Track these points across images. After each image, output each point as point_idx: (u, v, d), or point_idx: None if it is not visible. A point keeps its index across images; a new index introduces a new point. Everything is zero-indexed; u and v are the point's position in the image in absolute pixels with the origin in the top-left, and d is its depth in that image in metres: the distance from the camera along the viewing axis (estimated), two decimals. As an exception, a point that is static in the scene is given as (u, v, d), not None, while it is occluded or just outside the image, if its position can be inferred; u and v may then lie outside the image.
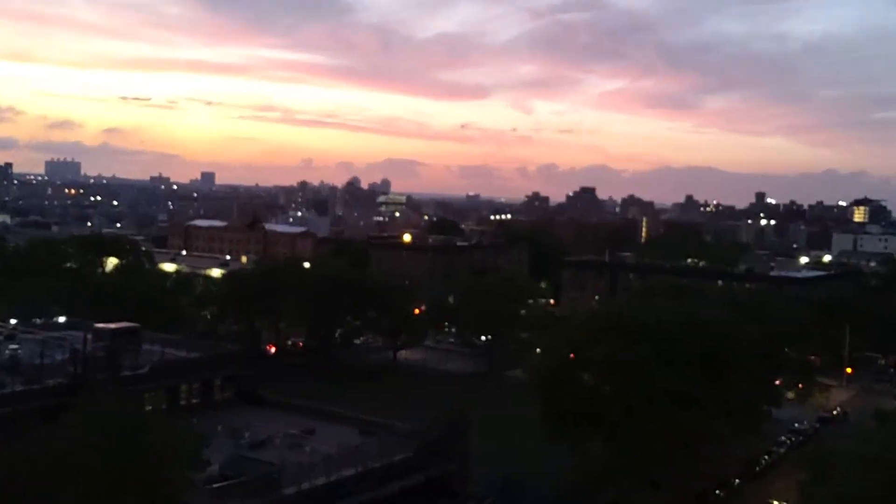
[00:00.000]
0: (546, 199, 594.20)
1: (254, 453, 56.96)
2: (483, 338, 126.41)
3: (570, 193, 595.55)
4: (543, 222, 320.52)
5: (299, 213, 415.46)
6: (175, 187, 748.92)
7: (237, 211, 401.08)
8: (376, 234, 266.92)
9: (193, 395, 71.89)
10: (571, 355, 72.62)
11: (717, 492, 73.85)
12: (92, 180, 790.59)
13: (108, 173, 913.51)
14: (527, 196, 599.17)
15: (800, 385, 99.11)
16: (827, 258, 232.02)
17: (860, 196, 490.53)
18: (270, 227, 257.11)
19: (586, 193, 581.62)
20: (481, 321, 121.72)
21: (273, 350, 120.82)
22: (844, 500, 44.13)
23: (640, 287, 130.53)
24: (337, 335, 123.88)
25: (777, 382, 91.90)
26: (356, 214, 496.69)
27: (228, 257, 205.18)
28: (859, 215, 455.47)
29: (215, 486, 48.46)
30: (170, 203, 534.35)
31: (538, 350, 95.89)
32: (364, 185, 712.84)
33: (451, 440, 62.16)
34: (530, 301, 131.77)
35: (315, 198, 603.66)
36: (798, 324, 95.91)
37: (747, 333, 77.38)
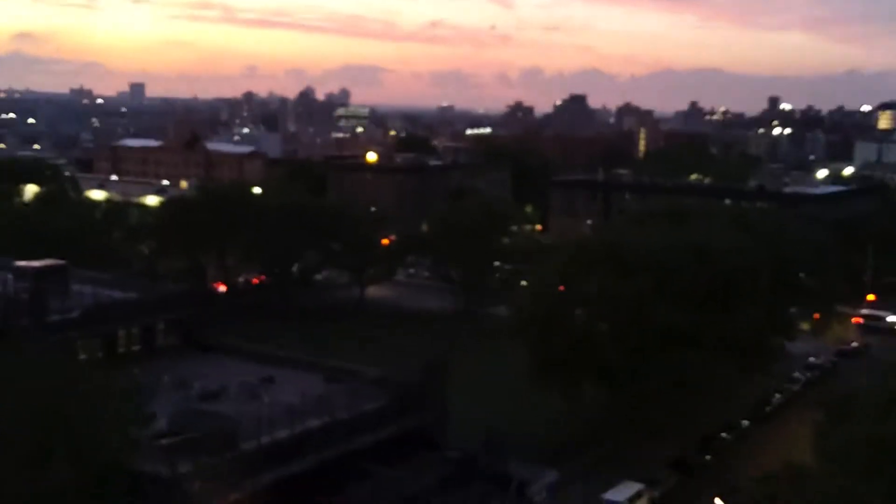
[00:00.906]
0: (530, 109, 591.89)
1: (205, 405, 57.32)
2: (461, 271, 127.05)
3: (558, 102, 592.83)
4: (527, 137, 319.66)
5: (245, 130, 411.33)
6: (100, 101, 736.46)
7: (173, 128, 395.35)
8: (335, 153, 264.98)
9: (133, 342, 71.97)
10: (561, 289, 73.44)
11: (724, 435, 75.88)
12: (2, 94, 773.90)
13: (20, 86, 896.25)
14: (508, 106, 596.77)
15: (816, 316, 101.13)
16: (848, 171, 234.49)
17: (887, 99, 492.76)
18: (213, 146, 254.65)
19: (576, 102, 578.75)
20: (458, 252, 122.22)
21: (223, 289, 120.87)
22: (865, 443, 45.50)
23: (638, 209, 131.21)
24: (294, 271, 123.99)
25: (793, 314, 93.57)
26: (311, 131, 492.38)
27: (166, 182, 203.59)
28: (885, 121, 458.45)
29: (164, 442, 49.00)
30: (94, 120, 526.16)
31: (523, 284, 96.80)
32: (320, 95, 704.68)
33: (427, 388, 63.07)
34: (514, 228, 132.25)
35: (263, 112, 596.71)
36: (815, 246, 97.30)
37: (758, 260, 78.58)
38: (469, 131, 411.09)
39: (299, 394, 58.42)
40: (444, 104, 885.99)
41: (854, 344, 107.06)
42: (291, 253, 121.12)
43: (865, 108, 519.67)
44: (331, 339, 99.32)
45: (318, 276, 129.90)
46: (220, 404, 58.41)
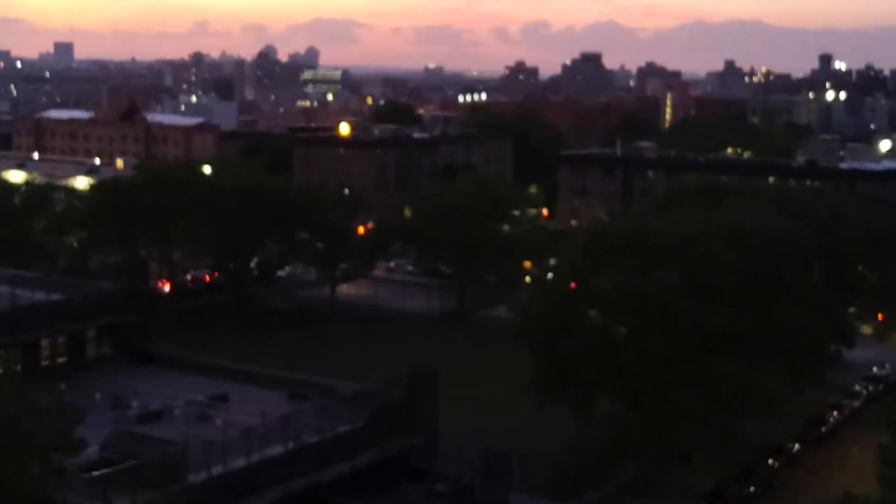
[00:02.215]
0: (534, 70, 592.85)
1: (146, 428, 57.47)
2: (452, 265, 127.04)
3: (568, 62, 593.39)
4: (531, 104, 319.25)
5: (194, 98, 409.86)
6: (19, 65, 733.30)
7: (107, 96, 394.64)
8: (301, 124, 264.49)
9: (59, 353, 71.97)
10: (572, 286, 73.42)
11: (770, 462, 75.99)
12: None
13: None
14: (508, 68, 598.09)
15: (880, 316, 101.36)
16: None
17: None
18: (154, 117, 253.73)
19: (589, 62, 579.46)
20: (449, 243, 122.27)
21: (167, 288, 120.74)
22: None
23: (663, 190, 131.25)
24: (253, 266, 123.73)
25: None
26: (273, 98, 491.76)
27: (98, 161, 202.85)
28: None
29: (95, 473, 48.88)
30: (12, 87, 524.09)
31: (527, 280, 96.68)
32: (282, 56, 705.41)
33: (413, 405, 63.04)
34: (515, 213, 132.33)
35: (215, 76, 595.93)
36: (877, 233, 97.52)
37: (808, 249, 78.62)
38: (461, 98, 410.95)
39: (258, 414, 58.41)
40: (432, 66, 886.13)
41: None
42: (249, 244, 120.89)
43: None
44: (296, 348, 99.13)
45: (282, 273, 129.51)
46: (164, 427, 58.40)
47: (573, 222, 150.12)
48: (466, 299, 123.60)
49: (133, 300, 79.35)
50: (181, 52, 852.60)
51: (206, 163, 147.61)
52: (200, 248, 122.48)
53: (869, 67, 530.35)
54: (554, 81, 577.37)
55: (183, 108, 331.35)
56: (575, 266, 74.41)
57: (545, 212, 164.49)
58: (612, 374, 69.11)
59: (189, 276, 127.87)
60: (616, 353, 68.80)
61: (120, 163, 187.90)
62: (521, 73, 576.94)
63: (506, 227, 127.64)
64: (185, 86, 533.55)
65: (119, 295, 79.06)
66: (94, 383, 66.07)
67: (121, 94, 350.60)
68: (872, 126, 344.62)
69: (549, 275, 79.02)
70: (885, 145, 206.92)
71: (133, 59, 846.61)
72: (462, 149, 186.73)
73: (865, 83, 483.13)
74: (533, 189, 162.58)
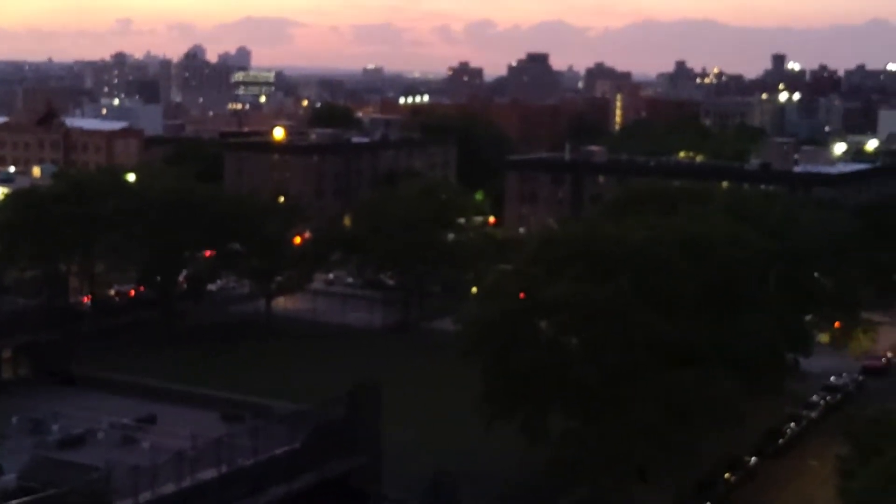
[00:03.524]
0: (479, 71, 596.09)
1: (67, 454, 56.86)
2: (395, 276, 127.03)
3: (514, 63, 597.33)
4: (476, 106, 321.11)
5: (116, 102, 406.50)
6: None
7: (22, 99, 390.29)
8: (232, 129, 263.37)
9: (-28, 375, 70.94)
10: (521, 296, 73.60)
11: (727, 476, 76.72)
12: None
13: None
14: (451, 68, 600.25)
15: (837, 324, 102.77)
16: (872, 145, 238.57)
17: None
18: (74, 122, 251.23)
19: (536, 62, 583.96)
20: (392, 252, 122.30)
21: (89, 304, 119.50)
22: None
23: (615, 195, 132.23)
24: (182, 279, 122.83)
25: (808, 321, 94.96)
26: (201, 101, 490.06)
27: (13, 169, 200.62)
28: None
29: (13, 503, 48.19)
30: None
31: (474, 291, 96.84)
32: (212, 56, 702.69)
33: (355, 423, 62.81)
34: (461, 220, 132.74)
35: (139, 78, 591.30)
36: (833, 239, 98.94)
37: (764, 255, 79.54)
38: (403, 100, 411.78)
39: (189, 436, 57.87)
40: (371, 66, 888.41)
41: (884, 359, 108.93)
42: (178, 257, 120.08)
43: (892, 66, 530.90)
44: (230, 366, 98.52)
45: (213, 286, 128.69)
46: (86, 452, 57.73)
47: (521, 230, 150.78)
48: (410, 311, 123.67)
49: (52, 317, 78.48)
50: (102, 53, 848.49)
51: (130, 170, 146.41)
52: (125, 261, 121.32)
53: (823, 68, 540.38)
54: (499, 83, 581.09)
55: (104, 111, 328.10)
56: (524, 275, 74.58)
57: (492, 219, 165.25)
58: (565, 388, 69.29)
59: (113, 291, 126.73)
60: (569, 366, 69.01)
61: (36, 171, 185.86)
62: (465, 74, 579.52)
63: (451, 236, 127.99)
64: (106, 88, 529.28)
65: (37, 312, 78.23)
66: (10, 407, 65.04)
67: (37, 97, 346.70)
68: (827, 128, 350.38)
69: (498, 284, 79.03)
70: (840, 148, 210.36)
71: (50, 60, 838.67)
72: (404, 154, 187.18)
73: (819, 84, 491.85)
74: (479, 195, 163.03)
